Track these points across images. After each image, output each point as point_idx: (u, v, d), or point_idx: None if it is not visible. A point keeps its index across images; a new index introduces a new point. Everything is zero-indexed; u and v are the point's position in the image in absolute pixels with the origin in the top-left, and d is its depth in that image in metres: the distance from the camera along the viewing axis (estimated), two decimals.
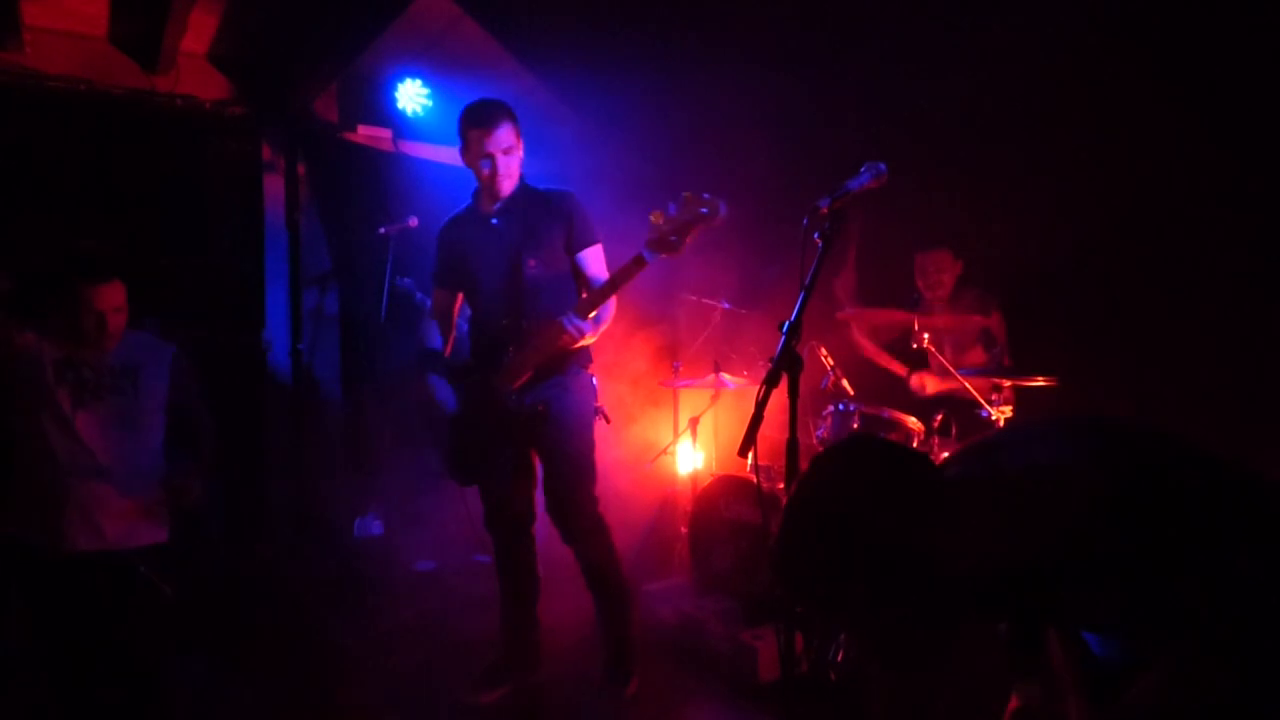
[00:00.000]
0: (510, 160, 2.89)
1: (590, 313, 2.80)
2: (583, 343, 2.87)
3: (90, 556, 2.65)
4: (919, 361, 4.10)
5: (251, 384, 4.86)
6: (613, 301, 2.90)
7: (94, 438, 2.69)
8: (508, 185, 2.91)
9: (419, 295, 4.64)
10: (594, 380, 3.11)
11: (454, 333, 3.24)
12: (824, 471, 1.39)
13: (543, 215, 2.94)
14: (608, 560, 3.03)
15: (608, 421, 3.14)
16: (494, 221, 2.96)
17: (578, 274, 2.99)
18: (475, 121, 2.85)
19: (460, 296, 3.16)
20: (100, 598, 2.67)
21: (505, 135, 2.85)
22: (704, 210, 2.56)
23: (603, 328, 2.91)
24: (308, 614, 3.83)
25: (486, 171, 2.87)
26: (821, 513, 1.34)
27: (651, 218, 2.64)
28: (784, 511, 1.38)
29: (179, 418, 2.88)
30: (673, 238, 2.60)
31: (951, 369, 3.66)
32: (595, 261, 2.99)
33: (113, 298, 2.69)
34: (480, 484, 3.07)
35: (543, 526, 3.09)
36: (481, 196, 3.01)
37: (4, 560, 2.66)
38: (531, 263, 2.90)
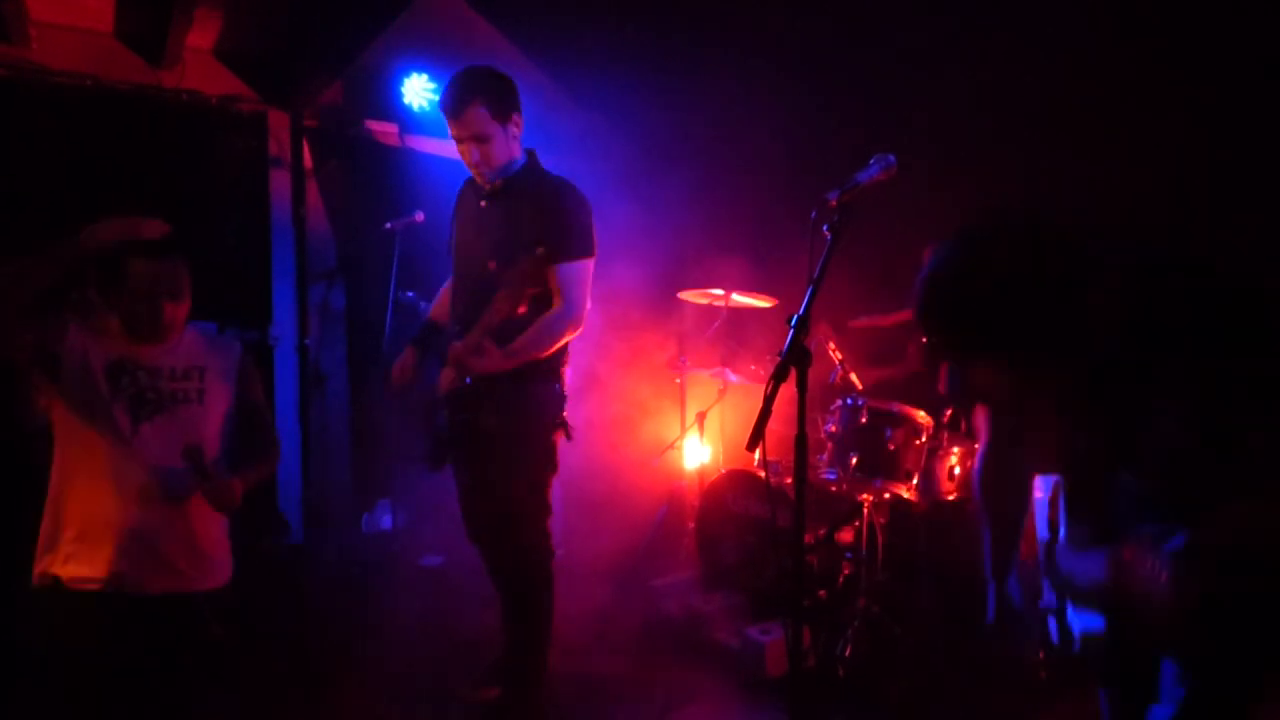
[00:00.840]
0: (488, 147, 2.55)
1: (478, 344, 2.42)
2: (487, 370, 2.47)
3: (153, 600, 2.23)
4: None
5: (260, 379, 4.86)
6: (559, 320, 2.57)
7: (156, 457, 2.21)
8: (487, 172, 2.60)
9: (423, 305, 4.61)
10: (558, 389, 2.72)
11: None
12: (983, 236, 1.45)
13: (525, 213, 2.59)
14: (532, 609, 2.72)
15: (569, 438, 2.76)
16: (481, 203, 2.70)
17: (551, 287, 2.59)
18: (443, 106, 2.53)
19: None
20: (154, 645, 2.26)
21: (475, 119, 2.50)
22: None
23: (524, 356, 2.53)
24: (313, 609, 3.83)
25: (465, 158, 2.61)
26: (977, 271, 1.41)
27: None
28: (931, 266, 1.46)
29: (242, 428, 2.46)
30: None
31: None
32: (566, 278, 2.57)
33: (171, 280, 2.28)
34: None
35: (556, 522, 2.95)
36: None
37: (45, 608, 2.20)
38: (492, 265, 2.57)
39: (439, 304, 3.02)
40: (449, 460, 2.76)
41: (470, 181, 2.78)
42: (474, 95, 2.50)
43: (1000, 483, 1.86)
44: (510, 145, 2.64)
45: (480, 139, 2.53)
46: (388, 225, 4.47)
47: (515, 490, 2.65)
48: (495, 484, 2.64)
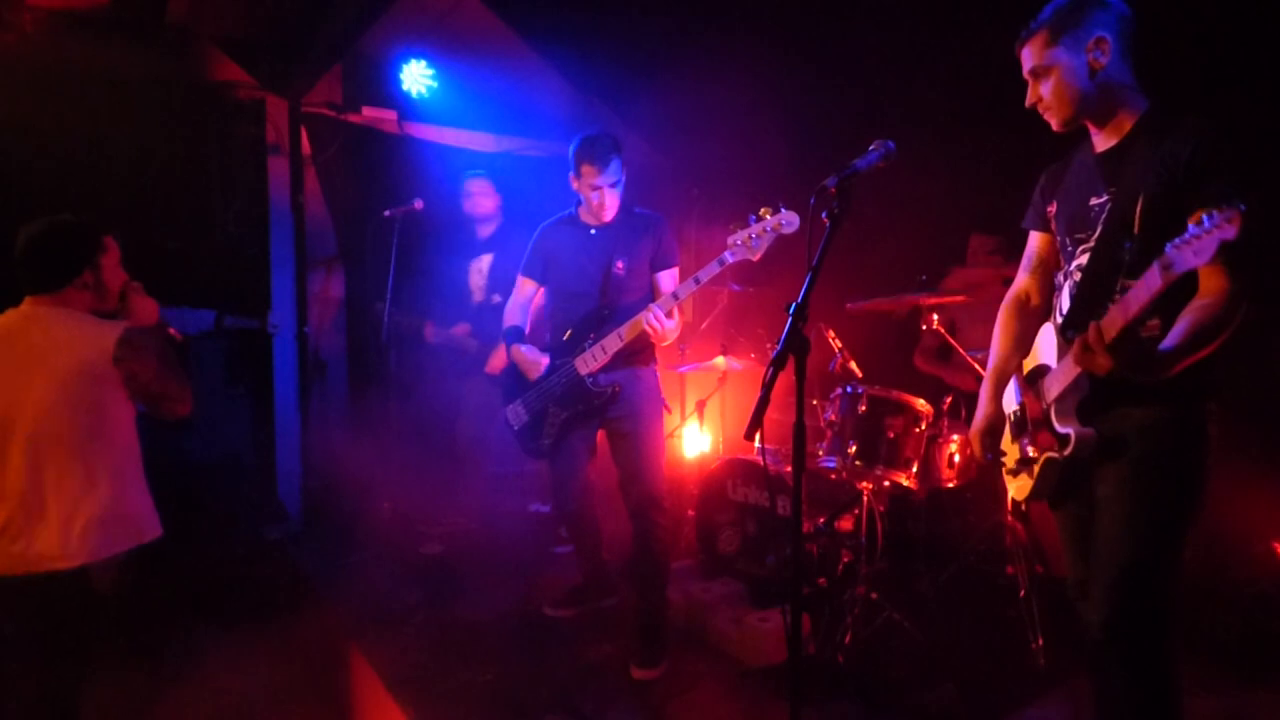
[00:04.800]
0: (617, 193, 3.13)
1: (671, 308, 2.99)
2: (661, 335, 3.01)
3: None
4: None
5: (259, 367, 4.86)
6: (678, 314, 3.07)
7: None
8: (607, 215, 3.17)
9: (396, 314, 4.56)
10: (657, 373, 3.33)
11: (530, 319, 3.42)
12: None
13: (637, 231, 3.20)
14: (656, 541, 3.16)
15: (669, 410, 3.40)
16: (593, 231, 3.23)
17: (655, 289, 3.22)
18: (589, 158, 3.06)
19: (540, 290, 3.40)
20: None
21: (615, 170, 3.08)
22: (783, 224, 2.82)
23: (676, 331, 3.07)
24: (314, 597, 3.84)
25: (595, 201, 3.11)
26: None
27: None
28: None
29: None
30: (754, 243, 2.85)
31: (961, 350, 3.64)
32: (671, 281, 3.21)
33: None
34: (549, 456, 3.29)
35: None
36: (585, 213, 3.25)
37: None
38: (620, 264, 3.15)
39: (520, 317, 3.42)
40: (581, 432, 3.29)
41: (569, 218, 3.32)
42: (615, 151, 3.08)
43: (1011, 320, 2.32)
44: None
45: (614, 185, 3.11)
46: (386, 213, 4.46)
47: (653, 441, 3.27)
48: (638, 437, 3.22)
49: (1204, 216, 1.55)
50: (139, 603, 2.48)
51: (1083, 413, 1.97)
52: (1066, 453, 1.95)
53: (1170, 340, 1.79)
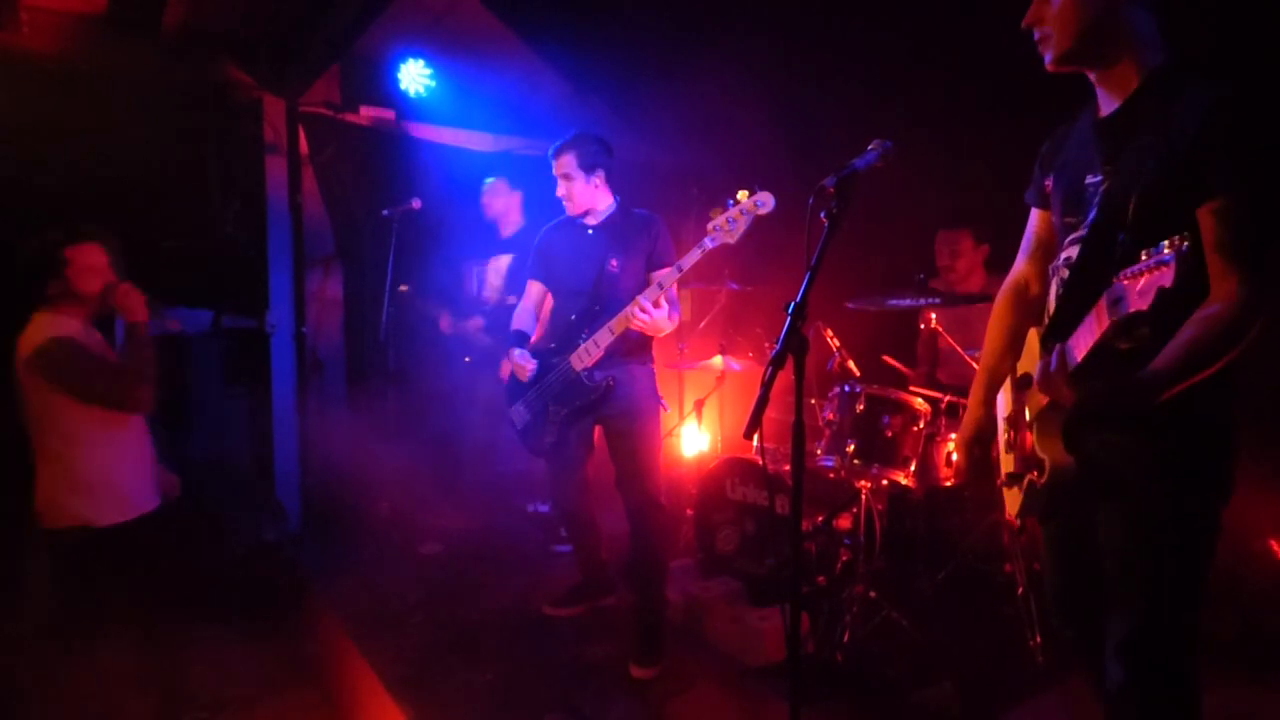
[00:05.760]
0: (570, 185, 3.20)
1: (658, 297, 2.98)
2: (652, 325, 2.99)
3: None
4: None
5: (257, 367, 4.86)
6: (675, 300, 3.09)
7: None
8: (571, 208, 3.25)
9: (419, 300, 4.66)
10: (654, 371, 3.33)
11: (538, 322, 3.45)
12: None
13: (633, 230, 3.24)
14: (654, 539, 3.18)
15: (666, 409, 3.36)
16: (590, 231, 3.28)
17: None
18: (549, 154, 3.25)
19: (549, 292, 3.42)
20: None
21: (564, 162, 3.19)
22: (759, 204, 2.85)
23: (671, 319, 3.06)
24: (312, 597, 3.84)
25: (559, 193, 3.25)
26: None
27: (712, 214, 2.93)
28: None
29: None
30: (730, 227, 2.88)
31: (960, 350, 3.64)
32: (667, 280, 3.20)
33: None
34: (549, 454, 3.29)
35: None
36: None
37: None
38: (614, 262, 3.18)
39: (528, 320, 3.46)
40: (579, 428, 3.29)
41: (568, 219, 3.36)
42: (565, 146, 3.20)
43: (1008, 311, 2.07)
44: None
45: (566, 178, 3.20)
46: (385, 212, 4.45)
47: (649, 438, 3.25)
48: (633, 434, 3.20)
49: (1151, 249, 1.33)
50: (141, 572, 2.82)
51: (1069, 433, 1.73)
52: (1042, 481, 1.75)
53: (1160, 361, 1.53)
